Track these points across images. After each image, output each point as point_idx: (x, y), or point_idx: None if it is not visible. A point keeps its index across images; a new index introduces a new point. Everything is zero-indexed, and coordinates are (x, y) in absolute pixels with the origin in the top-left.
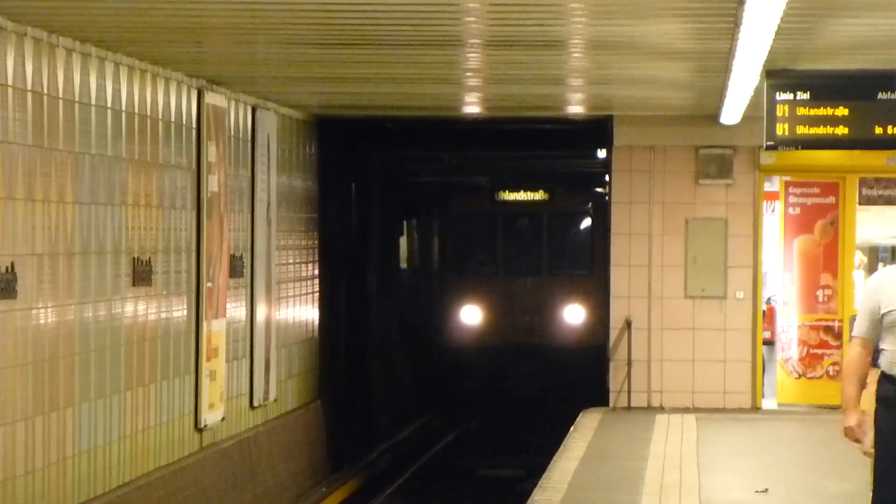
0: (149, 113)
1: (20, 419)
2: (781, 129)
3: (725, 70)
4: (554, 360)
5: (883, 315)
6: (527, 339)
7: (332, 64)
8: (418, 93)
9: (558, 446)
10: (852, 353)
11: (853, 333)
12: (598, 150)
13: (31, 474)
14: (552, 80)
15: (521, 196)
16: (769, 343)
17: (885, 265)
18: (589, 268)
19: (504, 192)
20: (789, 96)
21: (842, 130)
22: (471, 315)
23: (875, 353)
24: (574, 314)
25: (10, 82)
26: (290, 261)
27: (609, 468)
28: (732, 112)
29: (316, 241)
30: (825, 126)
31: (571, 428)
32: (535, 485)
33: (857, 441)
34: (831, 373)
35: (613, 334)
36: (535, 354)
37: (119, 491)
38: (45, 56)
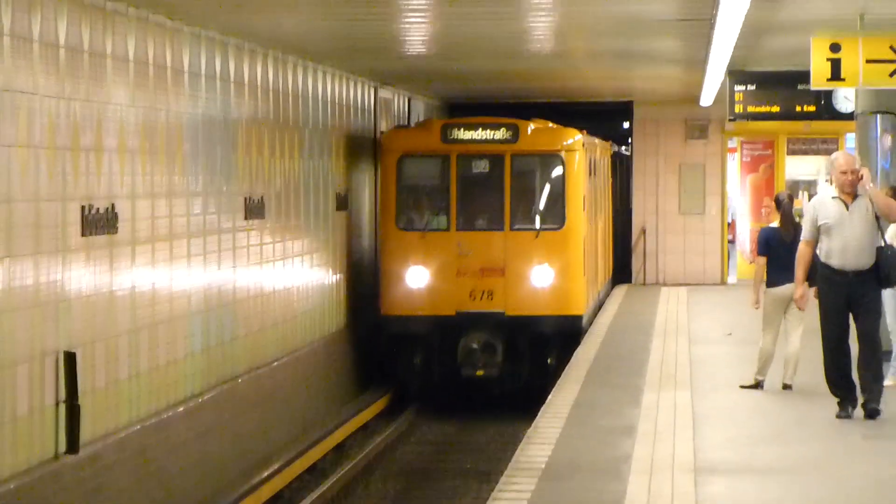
0: (344, 103)
1: (144, 326)
2: (738, 108)
3: (703, 71)
4: (518, 331)
5: (820, 225)
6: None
7: (454, 72)
8: (506, 86)
9: None
10: (801, 248)
11: (802, 237)
12: (623, 123)
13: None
14: (599, 79)
15: (479, 135)
16: (732, 242)
17: (807, 193)
18: (561, 221)
19: (458, 129)
20: (743, 87)
21: (775, 109)
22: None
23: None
24: (543, 276)
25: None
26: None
27: (633, 319)
28: (707, 97)
29: None
30: (765, 106)
31: (609, 296)
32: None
33: (801, 308)
34: None
35: (635, 235)
36: (494, 325)
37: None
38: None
